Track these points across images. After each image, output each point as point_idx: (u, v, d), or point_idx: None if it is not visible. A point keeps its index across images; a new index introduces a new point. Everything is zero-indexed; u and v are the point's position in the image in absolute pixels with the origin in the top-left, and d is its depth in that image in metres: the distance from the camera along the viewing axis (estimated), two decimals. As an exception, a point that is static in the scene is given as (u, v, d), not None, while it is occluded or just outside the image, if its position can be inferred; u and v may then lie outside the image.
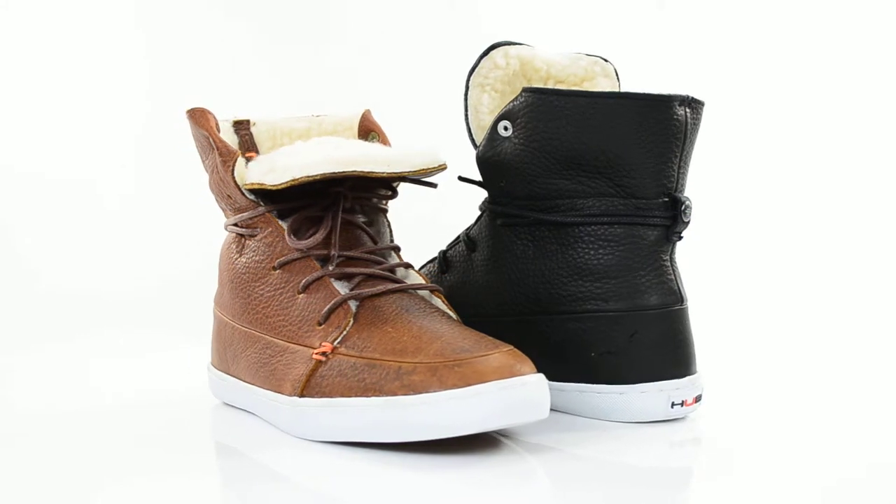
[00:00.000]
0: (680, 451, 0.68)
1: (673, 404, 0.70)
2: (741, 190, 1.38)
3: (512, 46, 0.75)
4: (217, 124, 0.74)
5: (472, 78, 0.75)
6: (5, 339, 1.06)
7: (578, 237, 0.71)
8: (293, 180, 0.67)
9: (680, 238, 0.72)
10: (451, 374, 0.60)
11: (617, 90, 0.79)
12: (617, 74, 0.79)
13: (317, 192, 0.72)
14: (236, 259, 0.74)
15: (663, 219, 0.71)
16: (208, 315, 0.80)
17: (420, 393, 0.60)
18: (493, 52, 0.75)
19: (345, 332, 0.65)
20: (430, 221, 0.90)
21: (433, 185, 0.76)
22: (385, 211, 0.78)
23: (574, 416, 0.72)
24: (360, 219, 0.74)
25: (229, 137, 0.80)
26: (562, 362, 0.72)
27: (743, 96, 1.37)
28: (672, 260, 0.72)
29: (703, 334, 0.78)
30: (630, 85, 0.79)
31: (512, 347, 0.63)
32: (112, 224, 1.24)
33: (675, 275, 0.71)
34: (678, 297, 0.71)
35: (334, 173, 0.67)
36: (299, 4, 1.33)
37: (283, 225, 0.71)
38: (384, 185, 0.76)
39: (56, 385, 0.87)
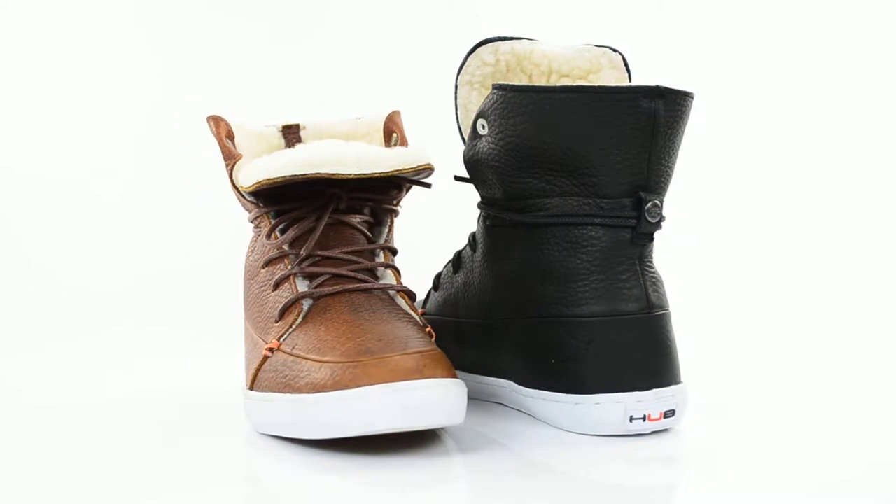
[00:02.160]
0: (641, 469, 0.63)
1: (632, 418, 0.65)
2: (739, 190, 1.33)
3: (504, 42, 0.74)
4: (229, 130, 0.79)
5: (459, 76, 0.74)
6: (16, 338, 1.07)
7: (546, 239, 0.68)
8: (257, 183, 0.70)
9: (650, 240, 0.67)
10: (345, 374, 0.60)
11: (626, 82, 0.74)
12: (627, 65, 0.74)
13: (315, 192, 0.75)
14: (249, 256, 0.78)
15: (627, 220, 0.66)
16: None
17: (318, 392, 0.61)
18: (479, 50, 0.73)
19: (291, 330, 0.67)
20: (456, 221, 0.89)
21: (427, 185, 0.76)
22: (393, 211, 0.78)
23: (545, 424, 0.69)
24: (357, 219, 0.76)
25: (276, 142, 0.84)
26: (531, 368, 0.69)
27: (744, 97, 1.34)
28: (643, 264, 0.67)
29: (692, 344, 0.72)
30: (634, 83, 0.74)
31: (431, 350, 0.62)
32: (122, 223, 1.25)
33: (643, 280, 0.66)
34: (645, 304, 0.66)
35: (294, 176, 0.69)
36: (302, 5, 1.34)
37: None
38: (392, 186, 0.77)
39: (70, 383, 0.88)
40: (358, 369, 0.60)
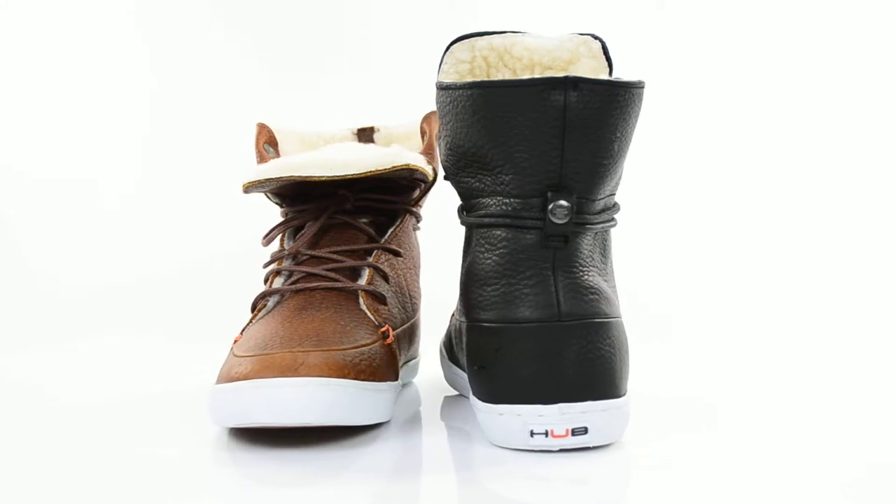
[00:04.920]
0: (546, 486, 0.59)
1: (533, 433, 0.61)
2: (738, 189, 1.27)
3: (481, 38, 0.71)
4: (271, 136, 0.83)
5: (438, 76, 0.73)
6: (15, 338, 1.08)
7: (476, 240, 0.66)
8: (243, 186, 0.75)
9: (565, 242, 0.62)
10: (234, 368, 0.63)
11: (604, 72, 0.69)
12: (606, 53, 0.69)
13: (327, 194, 0.78)
14: (282, 255, 0.83)
15: (535, 220, 0.62)
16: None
17: (220, 384, 0.65)
18: (453, 47, 0.71)
19: (251, 325, 0.71)
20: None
21: (421, 185, 0.76)
22: (409, 212, 0.79)
23: (479, 434, 0.67)
24: (364, 219, 0.77)
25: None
26: (468, 373, 0.67)
27: (745, 97, 1.30)
28: (561, 268, 0.62)
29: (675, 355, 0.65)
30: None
31: (337, 351, 0.63)
32: (123, 223, 1.25)
33: (556, 286, 0.61)
34: (555, 312, 0.61)
35: (270, 179, 0.73)
36: (306, 9, 1.31)
37: (285, 225, 0.78)
38: (407, 186, 0.78)
39: (70, 384, 0.89)
40: (243, 365, 0.63)
